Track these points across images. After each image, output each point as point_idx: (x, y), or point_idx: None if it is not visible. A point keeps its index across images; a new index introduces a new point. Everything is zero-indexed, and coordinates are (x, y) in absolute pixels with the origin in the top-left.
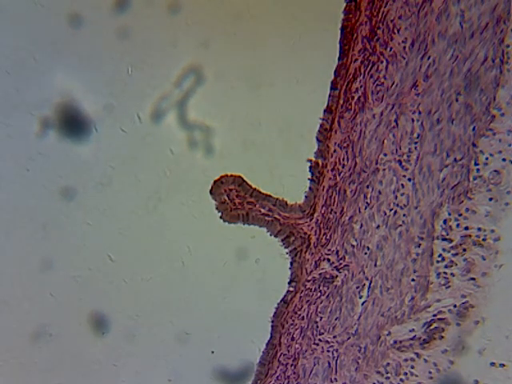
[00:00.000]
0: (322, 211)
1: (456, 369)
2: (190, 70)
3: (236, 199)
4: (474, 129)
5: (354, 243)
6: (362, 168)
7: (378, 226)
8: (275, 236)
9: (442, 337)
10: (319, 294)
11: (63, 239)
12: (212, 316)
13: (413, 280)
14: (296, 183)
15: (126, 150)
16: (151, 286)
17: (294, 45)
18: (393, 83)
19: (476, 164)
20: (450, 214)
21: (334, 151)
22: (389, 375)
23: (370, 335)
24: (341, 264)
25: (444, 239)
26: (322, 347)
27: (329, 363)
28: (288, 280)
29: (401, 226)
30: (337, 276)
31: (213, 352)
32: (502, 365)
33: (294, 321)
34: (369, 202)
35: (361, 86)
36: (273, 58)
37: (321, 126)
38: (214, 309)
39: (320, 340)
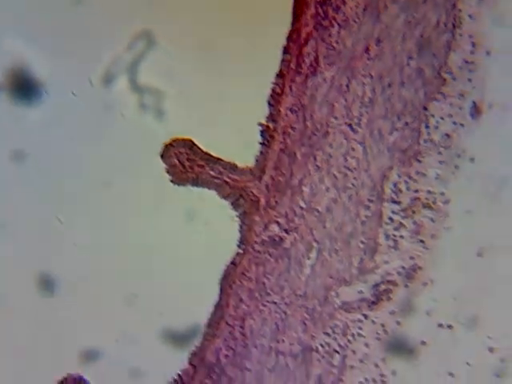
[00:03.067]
0: (272, 174)
1: (403, 330)
2: (142, 34)
3: (186, 162)
4: (425, 93)
5: (304, 206)
6: (313, 131)
7: (328, 189)
8: (225, 199)
9: (390, 298)
10: (268, 255)
11: (12, 200)
12: (160, 278)
13: (361, 242)
14: (246, 146)
15: (77, 113)
16: (101, 249)
17: (247, 9)
18: (344, 48)
19: (427, 127)
20: (399, 177)
21: (285, 115)
22: (336, 336)
23: (317, 296)
24: (290, 226)
25: (393, 202)
26: (270, 308)
27: (276, 324)
28: (237, 242)
29: (350, 188)
30: (285, 238)
31: (161, 313)
32: (450, 326)
33: (242, 282)
34: (319, 164)
35: (312, 51)
36: (226, 21)
37: (272, 90)
38: (163, 271)
39: (268, 301)
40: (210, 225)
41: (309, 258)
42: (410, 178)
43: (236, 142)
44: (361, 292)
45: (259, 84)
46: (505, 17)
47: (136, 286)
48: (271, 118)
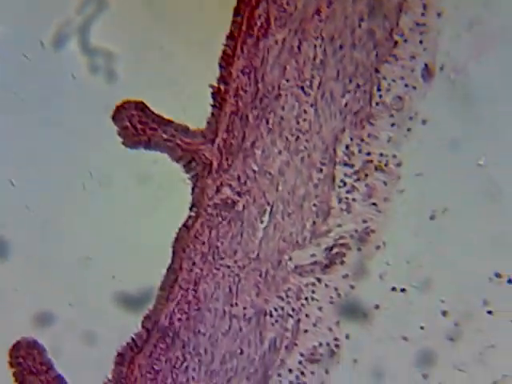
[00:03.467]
0: (224, 137)
1: (357, 293)
2: None
3: (138, 124)
4: (376, 55)
5: (256, 168)
6: (264, 94)
7: (280, 152)
8: (177, 161)
9: (343, 262)
10: (220, 219)
11: None
12: (113, 241)
13: (314, 205)
14: (198, 109)
15: (29, 75)
16: (53, 211)
17: None
18: (296, 9)
19: (378, 90)
20: (351, 140)
21: (237, 77)
22: (289, 300)
23: (270, 260)
24: (242, 189)
25: (346, 165)
26: (223, 272)
27: (229, 288)
28: (189, 205)
29: (303, 151)
30: (238, 201)
31: (114, 277)
32: (403, 289)
33: (194, 246)
34: (271, 127)
35: (264, 13)
36: None
37: (223, 52)
38: (116, 234)
39: (221, 265)
40: (163, 188)
41: (262, 221)
42: (362, 140)
43: (187, 103)
44: (314, 255)
45: (210, 46)
46: None
47: (89, 250)
48: (222, 80)
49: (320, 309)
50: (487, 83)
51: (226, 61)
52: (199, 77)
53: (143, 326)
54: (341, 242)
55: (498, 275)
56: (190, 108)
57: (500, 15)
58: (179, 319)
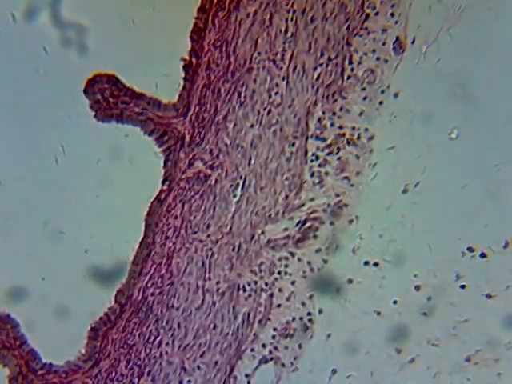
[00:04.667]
0: (196, 110)
1: (330, 267)
2: None
3: (110, 98)
4: (347, 27)
5: (228, 142)
6: (236, 67)
7: (252, 125)
8: (149, 135)
9: (316, 236)
10: (193, 192)
11: None
12: (86, 215)
13: (287, 179)
14: (170, 82)
15: (1, 49)
16: (25, 185)
17: None
18: None
19: (350, 63)
20: (324, 113)
21: (208, 50)
22: (262, 274)
23: (243, 234)
24: (214, 163)
25: (318, 138)
26: (196, 246)
27: (203, 262)
28: (162, 179)
29: (275, 124)
30: (210, 175)
31: (86, 251)
32: (376, 264)
33: (167, 220)
34: (243, 100)
35: None
36: None
37: (194, 25)
38: (88, 208)
39: (194, 239)
40: (135, 161)
41: (234, 195)
42: (334, 114)
43: (160, 78)
44: (286, 229)
45: (182, 18)
46: None
47: (61, 224)
48: (194, 53)
49: (293, 283)
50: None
51: (198, 34)
52: (171, 49)
53: (116, 301)
54: (313, 215)
55: (470, 249)
56: (162, 82)
57: None
58: (152, 293)
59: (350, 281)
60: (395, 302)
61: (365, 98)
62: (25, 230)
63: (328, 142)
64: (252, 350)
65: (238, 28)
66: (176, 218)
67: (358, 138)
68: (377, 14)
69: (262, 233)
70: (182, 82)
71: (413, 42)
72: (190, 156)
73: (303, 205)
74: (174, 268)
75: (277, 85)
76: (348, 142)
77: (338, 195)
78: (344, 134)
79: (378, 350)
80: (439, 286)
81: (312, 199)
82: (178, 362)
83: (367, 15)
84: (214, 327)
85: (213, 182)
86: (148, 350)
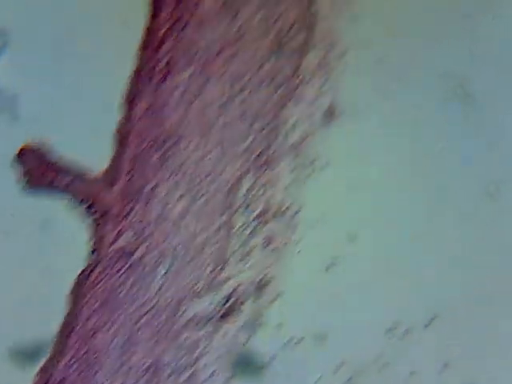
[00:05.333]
0: (126, 180)
1: (253, 344)
2: None
3: (38, 169)
4: (281, 94)
5: (157, 214)
6: (167, 136)
7: (182, 196)
8: (77, 207)
9: (240, 311)
10: (120, 265)
11: None
12: (9, 291)
13: (214, 252)
14: (102, 150)
15: None
16: None
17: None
18: (201, 48)
19: (282, 131)
20: (253, 183)
21: (140, 118)
22: (186, 351)
23: (168, 309)
24: (143, 235)
25: (246, 209)
26: (121, 321)
27: (128, 337)
28: (89, 251)
29: (204, 195)
30: (138, 248)
31: (7, 333)
32: (299, 341)
33: (94, 293)
34: (173, 170)
35: (168, 51)
36: (82, 21)
37: (127, 92)
38: (12, 281)
39: (119, 314)
40: (63, 234)
41: (161, 269)
42: (263, 185)
43: (91, 144)
44: (211, 304)
45: (114, 85)
46: (359, 15)
47: None
48: (125, 121)
49: (216, 360)
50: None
51: (130, 101)
52: (103, 116)
53: (38, 381)
54: (239, 290)
55: (393, 327)
56: (93, 148)
57: (404, 54)
58: (75, 371)
59: (273, 357)
60: (318, 379)
61: (295, 168)
62: None
63: (256, 213)
64: None
65: (171, 95)
66: (102, 291)
67: (287, 209)
68: (309, 80)
69: (187, 309)
70: (112, 150)
71: (344, 109)
72: (119, 228)
73: (229, 278)
74: (99, 342)
75: (207, 154)
76: (276, 214)
77: (264, 269)
78: (273, 205)
79: None
80: (362, 364)
81: (238, 273)
82: None
83: (300, 82)
84: None
85: (140, 254)
86: None
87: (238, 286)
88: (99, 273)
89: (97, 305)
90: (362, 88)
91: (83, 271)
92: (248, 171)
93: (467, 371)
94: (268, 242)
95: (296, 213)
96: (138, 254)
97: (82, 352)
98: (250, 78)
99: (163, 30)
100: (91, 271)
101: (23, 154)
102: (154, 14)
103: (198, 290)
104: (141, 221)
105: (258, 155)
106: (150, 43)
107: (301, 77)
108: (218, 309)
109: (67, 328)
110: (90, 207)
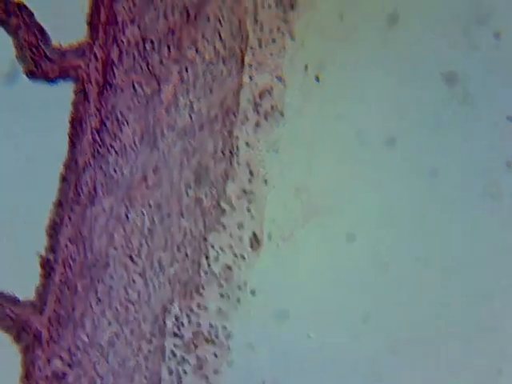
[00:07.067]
0: (54, 307)
1: None
2: None
3: None
4: (204, 223)
5: (86, 340)
6: (93, 263)
7: (110, 323)
8: (7, 332)
9: None
10: None
11: None
12: None
13: (145, 377)
14: (27, 277)
15: None
16: None
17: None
18: (122, 176)
19: (207, 258)
20: (181, 310)
21: (65, 246)
22: None
23: None
24: (73, 361)
25: (175, 335)
26: None
27: None
28: (20, 377)
29: (132, 321)
30: (69, 373)
31: None
32: None
33: None
34: (100, 297)
35: (90, 179)
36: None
37: (51, 220)
38: None
39: None
40: None
41: None
42: (191, 311)
43: (17, 273)
44: None
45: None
46: (279, 144)
47: None
48: (51, 249)
49: None
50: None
51: (54, 229)
52: (28, 245)
53: None
54: None
55: None
56: (19, 276)
57: (323, 183)
58: None
59: None
60: None
61: (222, 295)
62: None
63: (185, 339)
64: None
65: (94, 223)
66: None
67: (216, 335)
68: (233, 208)
69: None
70: (39, 279)
71: (269, 237)
72: (49, 354)
73: None
74: None
75: (133, 281)
76: (206, 340)
77: None
78: (202, 332)
79: None
80: None
81: None
82: None
83: (223, 210)
84: None
85: (71, 380)
86: None
87: None
88: None
89: None
90: (284, 216)
91: None
92: (175, 298)
93: None
94: (200, 366)
95: (226, 338)
96: (68, 380)
97: None
98: (172, 207)
99: (84, 158)
100: None
101: None
102: (75, 142)
103: None
104: (70, 346)
105: (185, 282)
106: (72, 171)
107: (223, 205)
108: None
109: None
110: (19, 332)
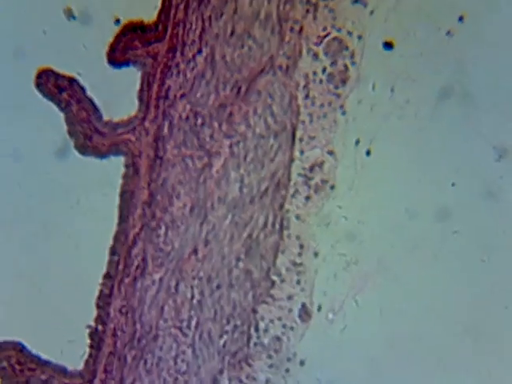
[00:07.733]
0: (102, 378)
1: None
2: None
3: (16, 365)
4: (253, 295)
5: None
6: (142, 334)
7: None
8: None
9: None
10: None
11: None
12: None
13: None
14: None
15: None
16: None
17: (73, 208)
18: (172, 249)
19: (256, 330)
20: (230, 381)
21: (114, 317)
22: None
23: None
24: None
25: None
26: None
27: None
28: None
29: None
30: None
31: None
32: None
33: None
34: (149, 368)
35: (140, 252)
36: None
37: (100, 291)
38: None
39: None
40: None
41: None
42: (240, 381)
43: (64, 343)
44: None
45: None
46: (330, 218)
47: None
48: (100, 319)
49: None
50: None
51: (104, 300)
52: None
53: None
54: None
55: None
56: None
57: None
58: None
59: None
60: None
61: (271, 366)
62: None
63: None
64: None
65: (144, 294)
66: None
67: None
68: (283, 281)
69: None
70: (88, 349)
71: (319, 309)
72: None
73: None
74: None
75: (183, 352)
76: None
77: None
78: None
79: None
80: None
81: None
82: None
83: (273, 282)
84: None
85: None
86: None
87: None
88: None
89: None
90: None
91: None
92: (224, 369)
93: None
94: None
95: None
96: None
97: None
98: (222, 279)
99: (134, 231)
100: None
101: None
102: (125, 215)
103: None
104: None
105: (234, 353)
106: (122, 244)
107: (274, 277)
108: None
109: None
110: None
